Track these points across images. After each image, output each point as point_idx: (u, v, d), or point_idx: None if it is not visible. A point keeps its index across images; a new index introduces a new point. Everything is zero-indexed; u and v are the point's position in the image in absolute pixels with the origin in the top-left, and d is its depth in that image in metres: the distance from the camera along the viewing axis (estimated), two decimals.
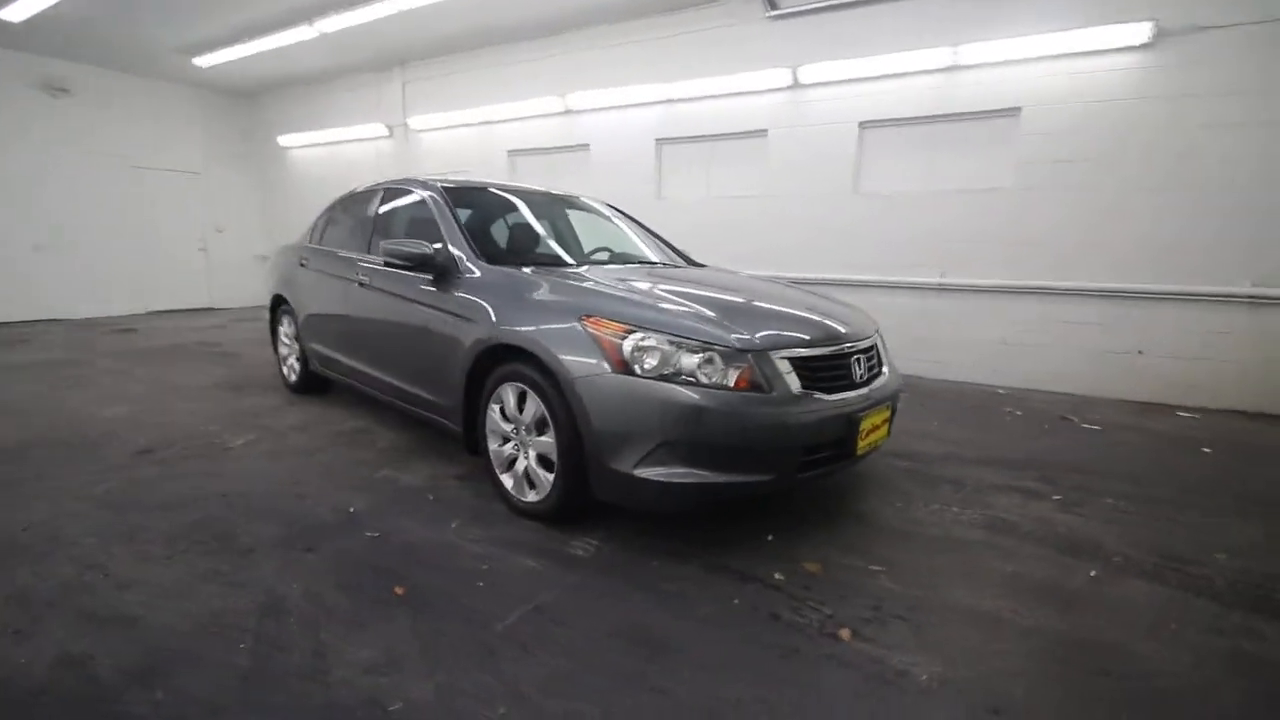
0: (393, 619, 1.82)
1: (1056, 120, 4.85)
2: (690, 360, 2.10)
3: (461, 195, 3.30)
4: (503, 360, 2.51)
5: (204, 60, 7.98)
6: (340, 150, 9.42)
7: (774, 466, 2.15)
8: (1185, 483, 3.09)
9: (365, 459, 3.18)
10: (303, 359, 4.26)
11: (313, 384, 4.37)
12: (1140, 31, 4.43)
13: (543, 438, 2.36)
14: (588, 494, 2.29)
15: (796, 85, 5.76)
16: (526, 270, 2.76)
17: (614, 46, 6.67)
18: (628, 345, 2.13)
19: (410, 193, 3.42)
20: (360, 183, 4.27)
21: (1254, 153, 4.28)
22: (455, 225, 3.02)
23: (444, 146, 8.28)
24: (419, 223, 3.26)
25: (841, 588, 2.06)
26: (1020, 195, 5.04)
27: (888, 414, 2.53)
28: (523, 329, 2.38)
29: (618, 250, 3.57)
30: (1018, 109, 4.98)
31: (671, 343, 2.12)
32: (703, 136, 6.42)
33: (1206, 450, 3.65)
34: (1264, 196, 4.29)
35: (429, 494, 2.76)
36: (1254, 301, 4.39)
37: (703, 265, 3.78)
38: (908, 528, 2.53)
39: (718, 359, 2.11)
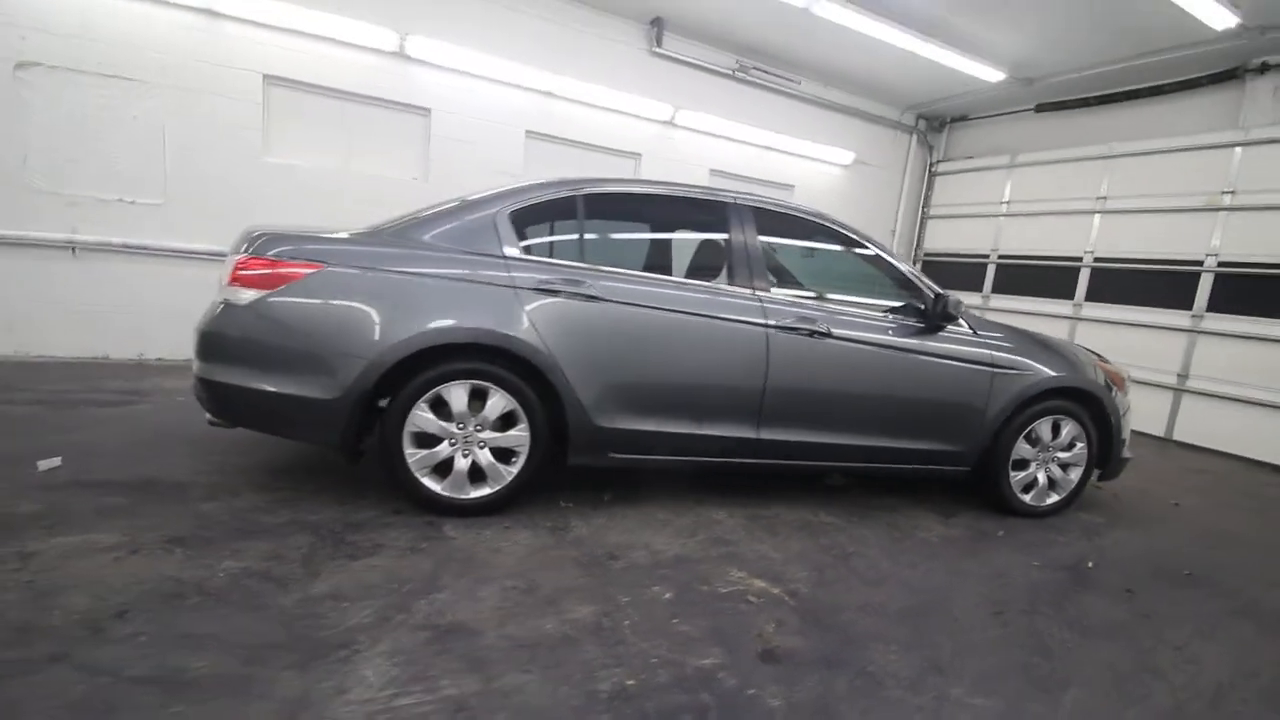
0: None
1: (812, 199, 7.57)
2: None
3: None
4: (1029, 402, 3.12)
5: None
6: None
7: None
8: None
9: (924, 552, 2.78)
10: (538, 447, 2.56)
11: (525, 487, 2.65)
12: (848, 155, 7.59)
13: (1075, 449, 3.22)
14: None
15: (672, 124, 6.46)
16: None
17: (486, 2, 5.40)
18: (1126, 376, 3.35)
19: (847, 238, 3.20)
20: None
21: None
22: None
23: (82, 29, 4.27)
24: (861, 268, 3.26)
25: None
26: None
27: None
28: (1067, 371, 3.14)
29: None
30: (792, 185, 7.45)
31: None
32: (577, 143, 6.12)
33: None
34: None
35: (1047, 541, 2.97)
36: None
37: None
38: None
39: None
